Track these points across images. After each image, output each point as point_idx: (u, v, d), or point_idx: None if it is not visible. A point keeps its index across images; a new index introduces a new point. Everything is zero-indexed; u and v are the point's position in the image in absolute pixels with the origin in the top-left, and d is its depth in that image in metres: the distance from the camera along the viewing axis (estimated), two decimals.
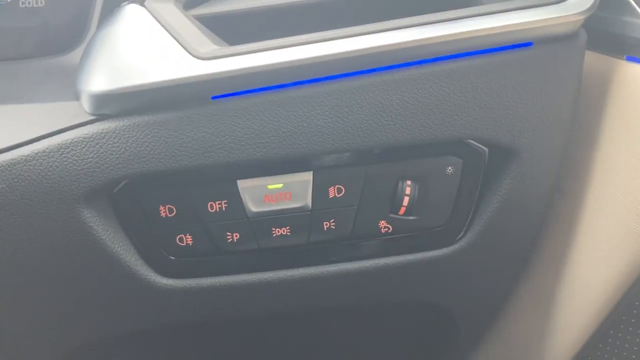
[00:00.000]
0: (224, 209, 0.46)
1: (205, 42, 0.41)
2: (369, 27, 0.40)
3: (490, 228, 0.48)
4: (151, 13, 0.41)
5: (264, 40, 0.41)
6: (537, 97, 0.43)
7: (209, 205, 0.46)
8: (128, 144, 0.41)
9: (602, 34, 0.44)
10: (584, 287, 0.49)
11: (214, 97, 0.41)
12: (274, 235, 0.47)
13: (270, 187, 0.46)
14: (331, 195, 0.46)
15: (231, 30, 0.44)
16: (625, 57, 0.42)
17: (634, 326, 0.47)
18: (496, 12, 0.40)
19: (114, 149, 0.42)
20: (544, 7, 0.40)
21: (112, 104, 0.41)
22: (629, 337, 0.47)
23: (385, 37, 0.40)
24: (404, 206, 0.47)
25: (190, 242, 0.47)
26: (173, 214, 0.46)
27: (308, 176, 0.45)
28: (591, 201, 0.47)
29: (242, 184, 0.45)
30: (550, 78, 0.42)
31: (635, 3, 0.40)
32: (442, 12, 0.41)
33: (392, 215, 0.47)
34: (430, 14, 0.41)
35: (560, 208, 0.50)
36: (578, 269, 0.50)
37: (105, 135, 0.41)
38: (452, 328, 0.58)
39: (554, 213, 0.50)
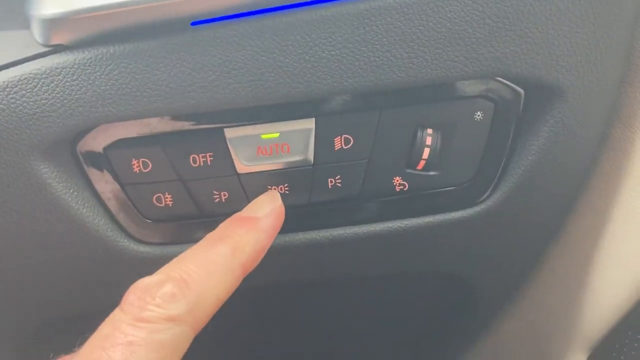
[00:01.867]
0: (209, 163, 0.38)
1: None
2: None
3: (523, 188, 0.41)
4: None
5: None
6: (588, 21, 0.35)
7: (191, 158, 0.38)
8: (90, 81, 0.34)
9: None
10: (618, 272, 0.43)
11: (194, 23, 0.33)
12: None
13: (264, 136, 0.38)
14: (337, 146, 0.39)
15: None
16: None
17: None
18: None
19: (73, 87, 0.34)
20: None
21: (70, 31, 0.33)
22: None
23: None
24: (423, 159, 0.40)
25: (170, 203, 0.40)
26: (148, 169, 0.38)
27: (310, 123, 0.38)
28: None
29: (230, 133, 0.38)
30: None
31: None
32: None
33: (408, 170, 0.40)
34: None
35: (608, 167, 0.43)
36: (612, 247, 0.43)
37: (61, 71, 0.34)
38: (470, 301, 0.52)
39: (599, 174, 0.43)
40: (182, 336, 0.29)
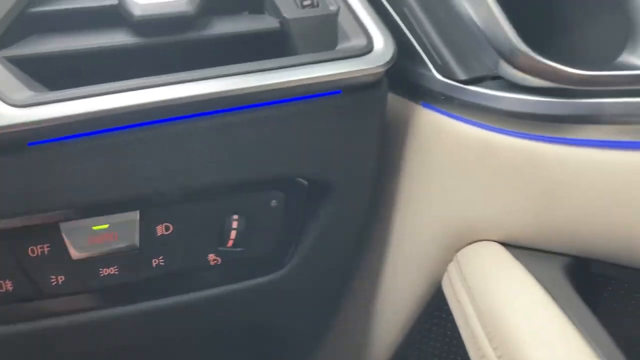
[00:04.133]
0: (46, 252, 0.45)
1: (20, 88, 0.40)
2: (193, 75, 0.42)
3: (313, 253, 0.52)
4: None
5: (84, 86, 0.40)
6: (347, 137, 0.47)
7: (30, 250, 0.44)
8: None
9: (403, 80, 0.49)
10: (397, 299, 0.56)
11: (31, 144, 0.40)
12: (102, 275, 0.47)
13: (95, 228, 0.45)
14: (159, 233, 0.47)
15: (50, 73, 0.43)
16: (421, 103, 0.47)
17: (434, 331, 0.54)
18: (308, 63, 0.44)
19: None
20: (350, 60, 0.44)
21: None
22: (430, 337, 0.54)
23: (209, 85, 0.42)
24: (231, 239, 0.49)
25: (11, 288, 0.45)
26: None
27: (134, 215, 0.46)
28: (399, 228, 0.52)
29: (65, 226, 0.44)
30: (357, 121, 0.47)
31: (426, 57, 0.46)
32: (264, 62, 0.43)
33: (220, 248, 0.49)
34: (252, 63, 0.43)
35: (376, 233, 0.55)
36: (392, 284, 0.56)
37: None
38: (284, 345, 0.62)
39: (370, 237, 0.56)
40: None
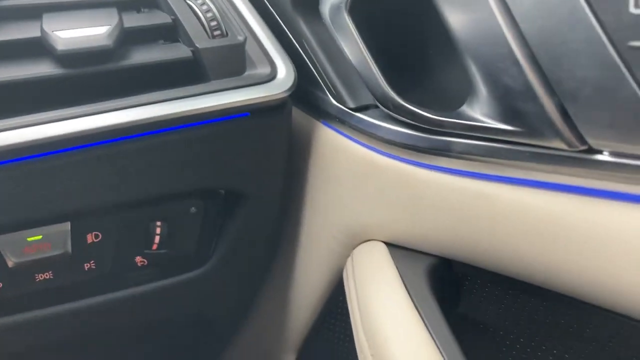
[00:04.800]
0: None
1: None
2: (117, 104, 0.47)
3: (231, 252, 0.59)
4: None
5: (8, 115, 0.45)
6: (256, 152, 0.54)
7: None
8: None
9: (307, 99, 0.56)
10: (307, 287, 0.63)
11: None
12: (37, 280, 0.52)
13: (29, 239, 0.50)
14: (89, 240, 0.53)
15: None
16: (321, 121, 0.54)
17: (337, 316, 0.62)
18: (220, 90, 0.50)
19: None
20: (256, 87, 0.50)
21: None
22: (335, 323, 0.63)
23: (129, 113, 0.47)
24: (155, 243, 0.55)
25: None
26: None
27: (66, 226, 0.51)
28: (307, 229, 0.60)
29: (1, 239, 0.49)
30: (265, 138, 0.53)
31: (323, 85, 0.52)
32: (181, 89, 0.49)
33: (146, 251, 0.56)
34: (170, 91, 0.49)
35: (287, 232, 0.63)
36: (302, 278, 0.63)
37: None
38: (208, 331, 0.70)
39: (283, 236, 0.63)
40: None
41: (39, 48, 0.48)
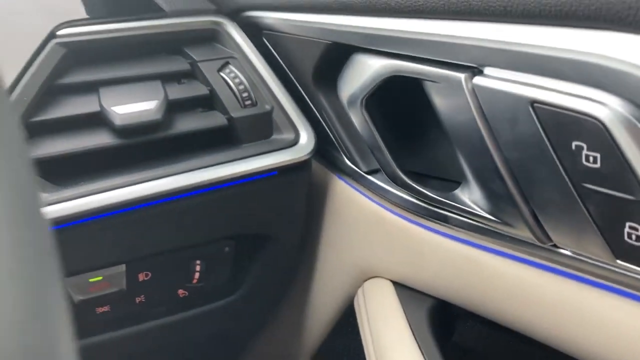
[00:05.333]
0: None
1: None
2: (169, 170, 0.56)
3: (256, 283, 0.69)
4: None
5: (80, 178, 0.54)
6: (281, 203, 0.63)
7: None
8: None
9: (326, 156, 0.65)
10: (320, 311, 0.74)
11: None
12: (97, 312, 0.62)
13: (91, 280, 0.60)
14: (141, 279, 0.62)
15: (53, 171, 0.55)
16: (336, 175, 0.64)
17: (351, 323, 0.73)
18: (252, 155, 0.59)
19: None
20: (282, 151, 0.59)
21: None
22: (350, 330, 0.73)
23: (179, 178, 0.56)
24: (195, 278, 0.65)
25: None
26: None
27: (122, 268, 0.61)
28: (322, 263, 0.70)
29: (67, 281, 0.59)
30: (289, 192, 0.63)
31: (339, 148, 0.61)
32: (220, 154, 0.58)
33: (187, 284, 0.65)
34: (210, 157, 0.58)
35: (306, 264, 0.73)
36: (316, 300, 0.74)
37: None
38: (228, 340, 0.80)
39: (301, 268, 0.73)
40: None
41: (98, 121, 0.57)
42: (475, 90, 0.40)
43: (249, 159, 0.59)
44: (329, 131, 0.61)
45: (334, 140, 0.61)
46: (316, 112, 0.61)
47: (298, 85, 0.61)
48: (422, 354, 0.52)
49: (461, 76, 0.40)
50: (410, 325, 0.56)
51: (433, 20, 0.43)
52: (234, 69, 0.62)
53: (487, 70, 0.39)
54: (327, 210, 0.66)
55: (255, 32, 0.64)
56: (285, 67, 0.62)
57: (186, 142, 0.60)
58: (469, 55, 0.40)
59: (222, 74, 0.62)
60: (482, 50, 0.39)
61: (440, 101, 0.43)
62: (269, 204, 0.62)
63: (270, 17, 0.62)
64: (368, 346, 0.59)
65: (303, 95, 0.61)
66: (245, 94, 0.61)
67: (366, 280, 0.65)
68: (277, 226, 0.64)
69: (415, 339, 0.55)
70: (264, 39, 0.63)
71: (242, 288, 0.69)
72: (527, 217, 0.41)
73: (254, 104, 0.61)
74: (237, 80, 0.61)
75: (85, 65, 0.59)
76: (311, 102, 0.61)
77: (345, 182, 0.62)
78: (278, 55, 0.62)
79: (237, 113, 0.60)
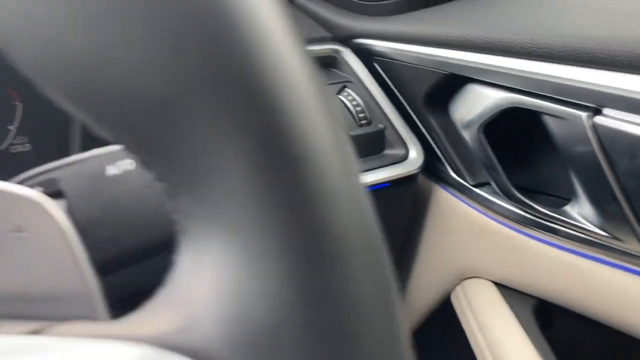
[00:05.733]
0: None
1: None
2: None
3: None
4: None
5: None
6: (391, 210, 0.71)
7: None
8: None
9: (431, 169, 0.72)
10: (424, 296, 0.82)
11: None
12: None
13: None
14: None
15: None
16: (440, 185, 0.71)
17: (448, 313, 0.80)
18: (369, 170, 0.66)
19: None
20: (394, 166, 0.67)
21: None
22: (447, 319, 0.81)
23: None
24: None
25: None
26: None
27: None
28: (423, 264, 0.77)
29: None
30: (398, 200, 0.70)
31: (446, 163, 0.69)
32: None
33: None
34: None
35: (407, 260, 0.80)
36: (415, 293, 0.81)
37: None
38: None
39: (403, 264, 0.81)
40: None
41: None
42: (596, 128, 0.46)
43: (366, 173, 0.66)
44: (436, 148, 0.68)
45: (440, 155, 0.68)
46: (424, 131, 0.68)
47: (407, 106, 0.69)
48: (532, 344, 0.60)
49: (583, 114, 0.47)
50: (517, 319, 0.63)
51: (551, 64, 0.50)
52: (350, 91, 0.70)
53: (606, 111, 0.46)
54: (429, 217, 0.74)
55: (366, 57, 0.71)
56: (395, 90, 0.69)
57: None
58: (589, 97, 0.47)
59: (340, 96, 0.70)
60: (602, 94, 0.46)
61: (559, 133, 0.50)
62: (378, 212, 0.70)
63: (381, 45, 0.69)
64: (476, 337, 0.67)
65: (412, 116, 0.69)
66: (361, 115, 0.69)
67: (464, 279, 0.72)
68: (382, 231, 0.72)
69: (525, 330, 0.62)
70: (375, 64, 0.70)
71: None
72: (638, 233, 0.48)
73: (369, 123, 0.69)
74: (354, 102, 0.69)
75: None
76: (420, 121, 0.68)
77: (450, 192, 0.70)
78: (389, 79, 0.69)
79: (354, 131, 0.68)
